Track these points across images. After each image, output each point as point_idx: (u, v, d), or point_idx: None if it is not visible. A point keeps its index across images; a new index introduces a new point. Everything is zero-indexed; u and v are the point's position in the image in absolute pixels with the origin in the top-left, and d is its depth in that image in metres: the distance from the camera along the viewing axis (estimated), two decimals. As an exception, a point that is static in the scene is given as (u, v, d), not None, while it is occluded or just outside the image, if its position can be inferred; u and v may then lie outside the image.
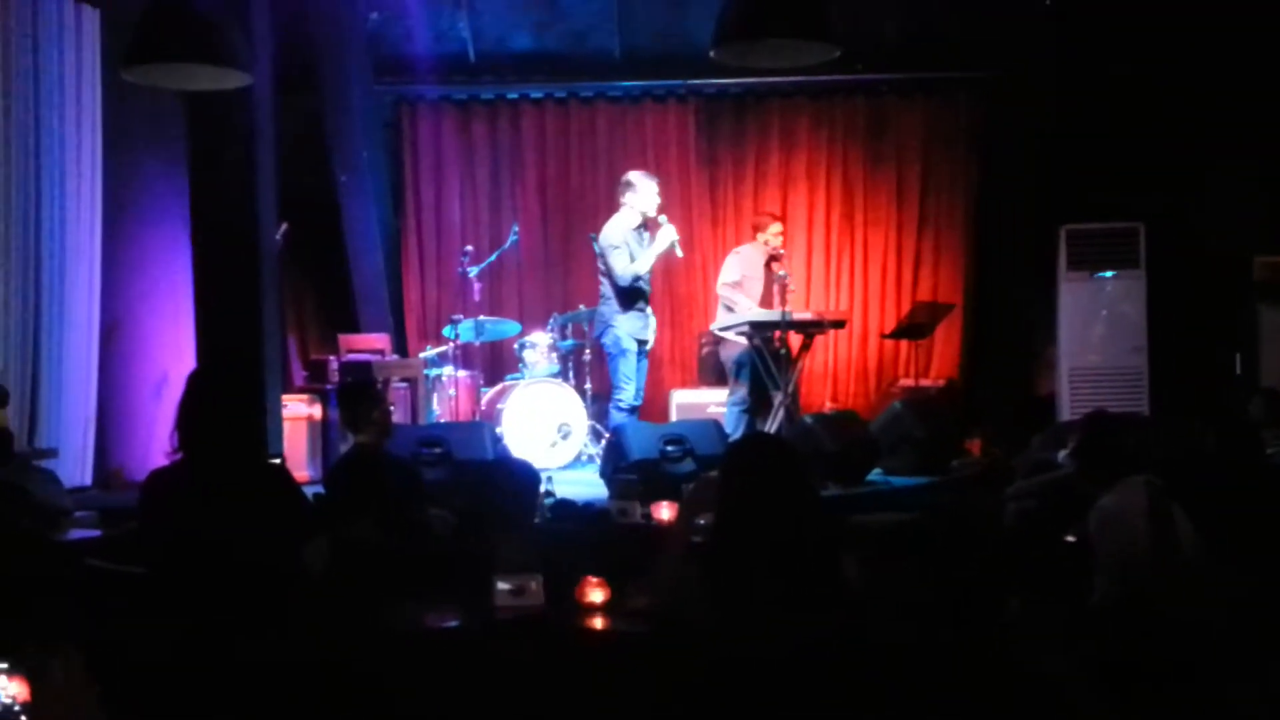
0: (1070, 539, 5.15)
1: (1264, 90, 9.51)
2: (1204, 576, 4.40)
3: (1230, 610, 3.69)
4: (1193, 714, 3.27)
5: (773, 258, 9.11)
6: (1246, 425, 7.28)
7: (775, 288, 8.68)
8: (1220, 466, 5.63)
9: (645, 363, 8.76)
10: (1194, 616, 3.83)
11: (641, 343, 8.68)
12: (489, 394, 9.82)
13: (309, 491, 4.68)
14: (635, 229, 8.59)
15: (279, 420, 8.30)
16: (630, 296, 8.60)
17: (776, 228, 9.23)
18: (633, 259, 8.53)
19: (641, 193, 8.54)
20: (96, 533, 5.96)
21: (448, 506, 5.57)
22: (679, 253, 8.67)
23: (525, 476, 5.88)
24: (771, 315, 8.55)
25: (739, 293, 8.99)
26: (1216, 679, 3.34)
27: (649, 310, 8.71)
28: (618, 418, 8.68)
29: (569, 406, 9.26)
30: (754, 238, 9.35)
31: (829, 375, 11.47)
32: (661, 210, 8.69)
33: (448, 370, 9.69)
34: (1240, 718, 3.28)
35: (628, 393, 8.68)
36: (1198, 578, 4.40)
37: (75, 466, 7.71)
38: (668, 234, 8.49)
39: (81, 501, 6.87)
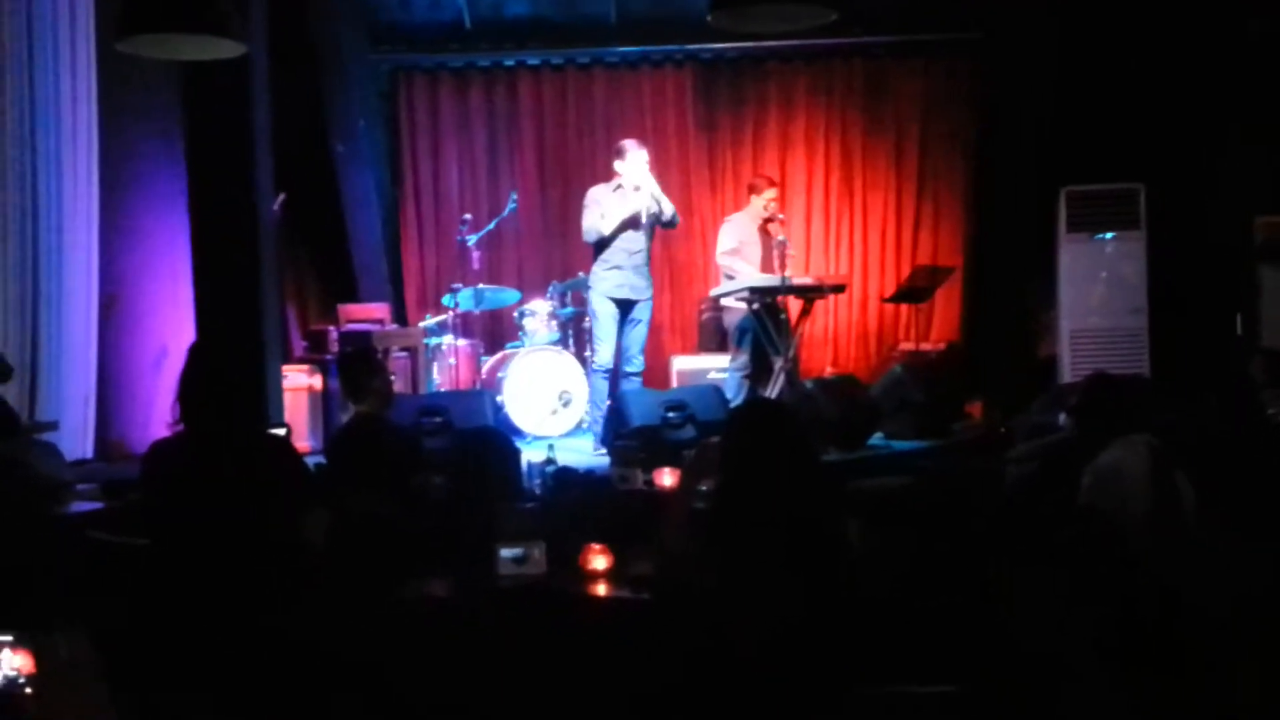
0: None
1: (1264, 50, 9.46)
2: (1203, 542, 4.40)
3: (1230, 575, 3.69)
4: (1194, 681, 3.27)
5: (767, 220, 9.07)
6: (1247, 386, 7.28)
7: (775, 253, 8.66)
8: (1221, 428, 5.63)
9: (636, 324, 8.58)
10: (1193, 582, 3.82)
11: (620, 302, 8.53)
12: (489, 362, 9.82)
13: (310, 461, 4.68)
14: (615, 190, 8.53)
15: (280, 391, 8.29)
16: (604, 255, 8.52)
17: (772, 193, 9.15)
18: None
19: (629, 161, 8.48)
20: (98, 505, 5.95)
21: (448, 474, 5.57)
22: (663, 220, 8.56)
23: (505, 448, 5.86)
24: (771, 280, 8.52)
25: (738, 259, 8.96)
26: (1219, 647, 3.35)
27: (630, 269, 8.49)
28: (595, 381, 8.68)
29: (569, 374, 9.25)
30: (748, 199, 9.31)
31: (829, 340, 11.48)
32: (653, 181, 8.61)
33: (448, 339, 9.68)
34: (1241, 687, 3.29)
35: (600, 354, 8.58)
36: (1198, 543, 4.40)
37: (76, 439, 7.70)
38: (637, 200, 8.42)
39: (83, 474, 6.87)
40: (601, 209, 8.43)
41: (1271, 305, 9.77)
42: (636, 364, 8.61)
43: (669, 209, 8.54)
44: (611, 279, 8.49)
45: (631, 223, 8.44)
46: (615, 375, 8.70)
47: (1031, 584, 3.63)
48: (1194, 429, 5.32)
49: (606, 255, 8.49)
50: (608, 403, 8.65)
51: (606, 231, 8.40)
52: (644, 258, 8.55)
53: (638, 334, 8.60)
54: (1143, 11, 9.78)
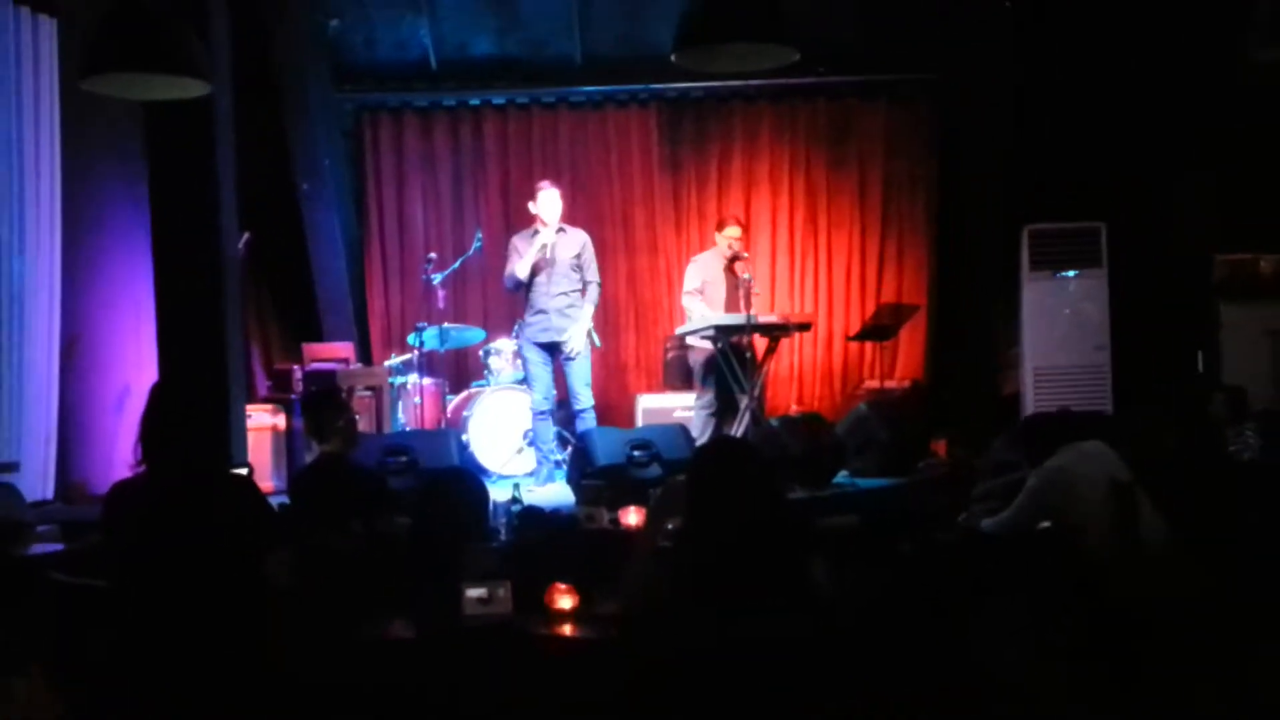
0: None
1: (1222, 90, 9.57)
2: (1167, 559, 4.43)
3: (1192, 604, 3.71)
4: (1157, 709, 3.29)
5: (733, 259, 9.09)
6: (1208, 423, 7.34)
7: (740, 291, 8.69)
8: (1182, 464, 5.66)
9: (569, 362, 8.62)
10: (1155, 600, 3.85)
11: (546, 346, 8.64)
12: (454, 401, 9.80)
13: (274, 501, 4.65)
14: (533, 235, 8.59)
15: (243, 430, 8.24)
16: (529, 300, 8.67)
17: (734, 231, 9.17)
18: None
19: (540, 201, 8.60)
20: (59, 546, 5.89)
21: (413, 514, 5.54)
22: (585, 276, 8.68)
23: (474, 489, 5.84)
24: (737, 319, 8.55)
25: (698, 300, 8.98)
26: (1180, 673, 3.36)
27: (553, 312, 8.57)
28: (535, 425, 8.77)
29: (535, 413, 9.23)
30: (714, 238, 9.34)
31: (794, 378, 11.49)
32: (565, 220, 8.73)
33: (412, 378, 9.65)
34: (1203, 710, 3.30)
35: (534, 398, 8.74)
36: (1160, 559, 4.42)
37: (36, 480, 7.63)
38: (544, 234, 8.53)
39: (43, 515, 6.80)
40: (519, 255, 8.54)
41: (1232, 342, 9.86)
42: (583, 400, 8.66)
43: (591, 272, 8.72)
44: (536, 324, 8.64)
45: (545, 264, 8.51)
46: (569, 416, 8.78)
47: (994, 613, 3.65)
48: (1156, 464, 5.35)
49: (531, 300, 8.65)
50: (552, 444, 8.74)
51: (521, 275, 8.50)
52: (569, 300, 8.62)
53: (577, 372, 8.66)
54: (1103, 52, 9.88)
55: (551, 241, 8.52)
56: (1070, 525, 5.07)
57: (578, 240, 8.72)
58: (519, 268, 8.54)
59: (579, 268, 8.66)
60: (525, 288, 8.63)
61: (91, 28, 6.25)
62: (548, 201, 8.57)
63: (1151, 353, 10.00)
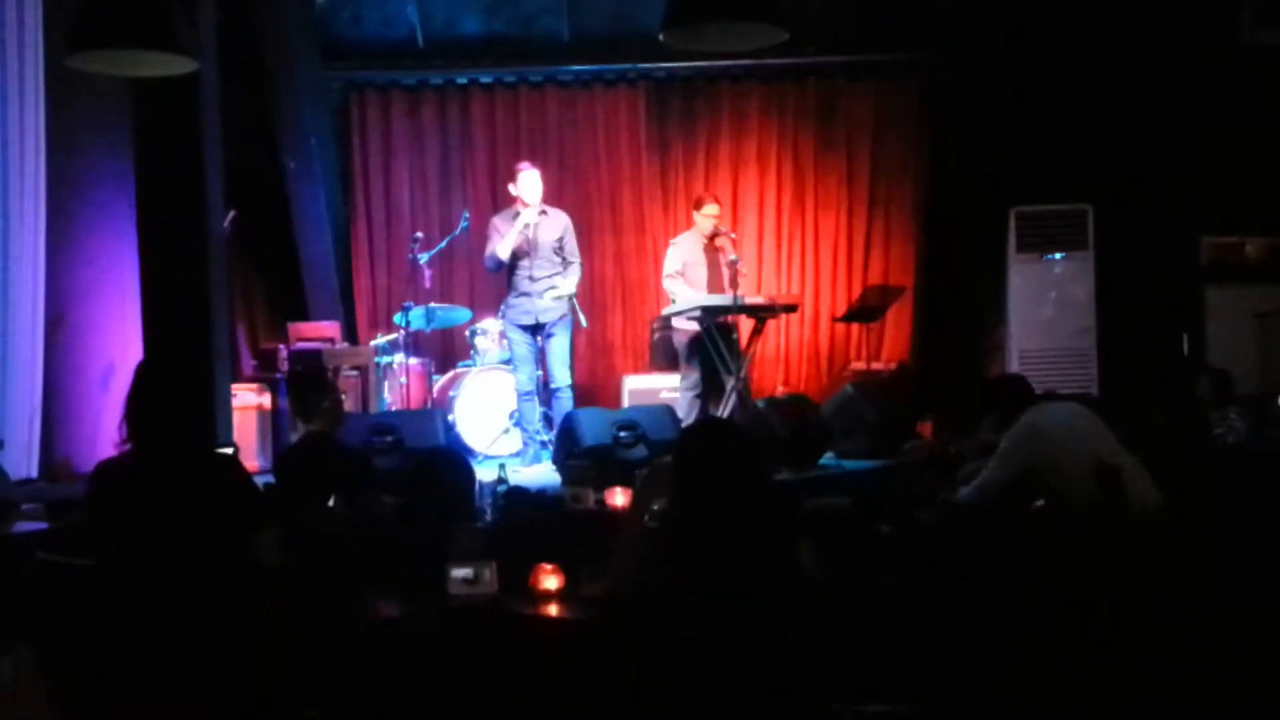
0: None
1: (1210, 72, 9.58)
2: (1158, 540, 4.45)
3: (1185, 588, 3.72)
4: (1148, 691, 3.30)
5: (714, 236, 9.07)
6: (1194, 405, 7.36)
7: (726, 272, 8.69)
8: (1168, 446, 5.68)
9: (550, 340, 8.63)
10: (1147, 582, 3.86)
11: (528, 328, 8.64)
12: (440, 381, 9.79)
13: (260, 481, 4.65)
14: (513, 216, 8.58)
15: (229, 409, 8.23)
16: (512, 282, 8.66)
17: (713, 209, 9.14)
18: None
19: (520, 182, 8.60)
20: (43, 525, 5.88)
21: (399, 494, 5.54)
22: (564, 255, 8.67)
23: (460, 469, 5.84)
24: (723, 299, 8.55)
25: (680, 282, 8.96)
26: (1173, 658, 3.37)
27: (535, 295, 8.56)
28: (520, 405, 8.79)
29: (521, 393, 9.23)
30: (692, 218, 9.31)
31: (781, 359, 11.50)
32: (546, 201, 8.71)
33: (399, 358, 9.64)
34: (1198, 696, 3.31)
35: (518, 379, 8.76)
36: (1152, 539, 4.44)
37: (21, 458, 7.60)
38: (525, 214, 8.50)
39: (28, 494, 6.78)
40: (500, 235, 8.53)
41: (1217, 325, 9.90)
42: (560, 379, 8.66)
43: (572, 253, 8.73)
44: (519, 306, 8.64)
45: (528, 247, 8.49)
46: (549, 395, 8.81)
47: (983, 598, 3.65)
48: (1142, 446, 5.38)
49: (513, 282, 8.64)
50: (538, 424, 8.74)
51: (502, 256, 8.50)
52: (551, 284, 8.60)
53: (556, 351, 8.66)
54: (1092, 34, 9.88)
55: (534, 222, 8.50)
56: (1049, 486, 5.13)
57: (559, 223, 8.69)
58: (500, 248, 8.53)
59: (560, 250, 8.64)
60: (507, 270, 8.61)
61: (77, 3, 6.22)
62: (528, 182, 8.55)
63: (1137, 335, 10.03)
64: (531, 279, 8.53)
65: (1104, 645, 3.35)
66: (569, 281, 8.61)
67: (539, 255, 8.53)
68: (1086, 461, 5.03)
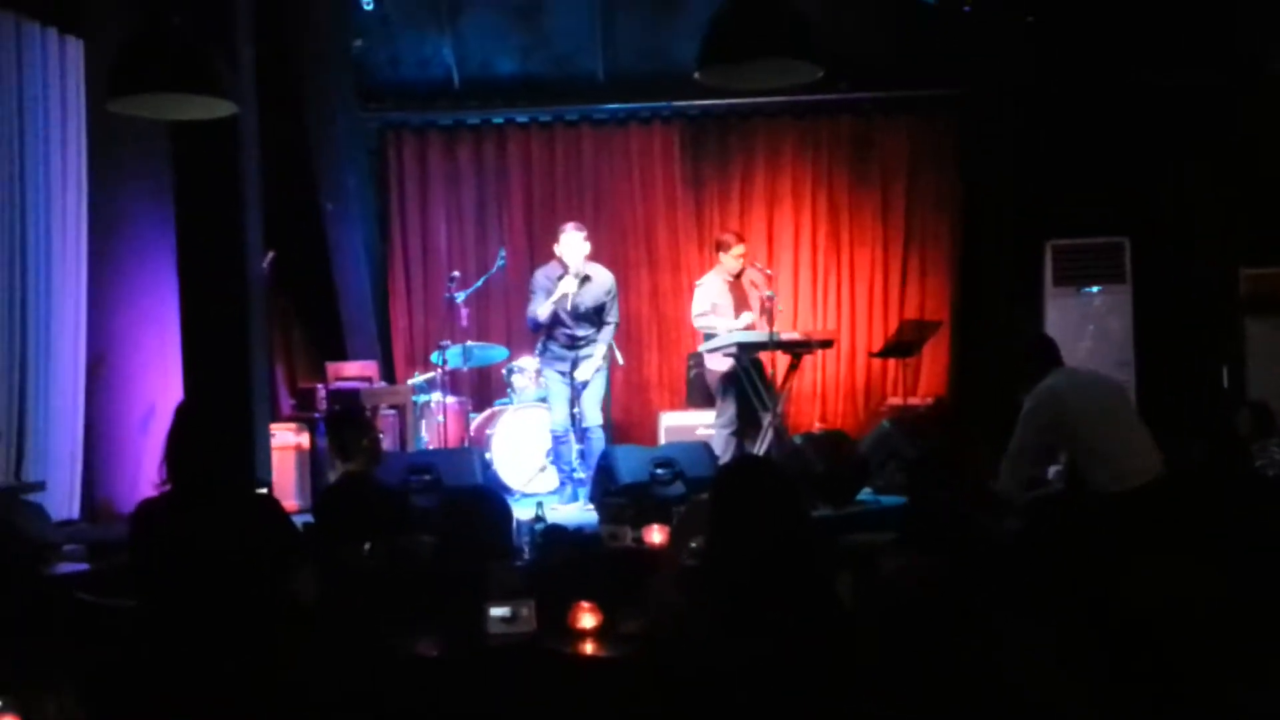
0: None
1: (1247, 103, 9.55)
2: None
3: (1218, 619, 3.69)
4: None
5: (737, 275, 9.06)
6: (1234, 438, 7.31)
7: (761, 308, 8.69)
8: (1208, 479, 5.65)
9: (586, 385, 8.72)
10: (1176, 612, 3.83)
11: (563, 372, 8.74)
12: (477, 420, 9.81)
13: (298, 520, 4.67)
14: (557, 276, 8.62)
15: (268, 449, 8.27)
16: (551, 335, 8.74)
17: (739, 249, 9.11)
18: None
19: (563, 244, 8.67)
20: (85, 566, 5.92)
21: (437, 533, 5.55)
22: (606, 319, 8.76)
23: (497, 508, 5.85)
24: (759, 336, 8.54)
25: (713, 318, 8.94)
26: (1208, 690, 3.34)
27: (572, 353, 8.70)
28: (556, 445, 8.84)
29: (558, 431, 9.24)
30: (716, 258, 9.28)
31: (817, 395, 11.48)
32: (589, 259, 8.77)
33: (436, 396, 9.67)
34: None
35: (553, 419, 8.81)
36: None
37: (63, 500, 7.67)
38: (564, 284, 8.57)
39: (69, 535, 6.83)
40: (543, 295, 8.64)
41: (1257, 357, 9.82)
42: (592, 419, 8.72)
43: (613, 315, 8.81)
44: (555, 352, 8.75)
45: (565, 316, 8.59)
46: (581, 434, 8.85)
47: (1024, 634, 3.63)
48: (1183, 480, 5.36)
49: (553, 334, 8.72)
50: (575, 462, 8.77)
51: (542, 319, 8.58)
52: (588, 341, 8.71)
53: (591, 392, 8.73)
54: (1125, 67, 9.86)
55: (573, 291, 8.56)
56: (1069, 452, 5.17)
57: (602, 287, 8.74)
58: (541, 310, 8.61)
59: (600, 312, 8.70)
60: (547, 325, 8.67)
61: (119, 49, 6.29)
62: (570, 245, 8.61)
63: (1176, 368, 9.97)
64: (571, 338, 8.62)
65: (1136, 675, 3.33)
66: (597, 354, 8.70)
67: (579, 319, 8.61)
68: (1102, 428, 5.22)
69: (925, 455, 8.35)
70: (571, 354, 8.65)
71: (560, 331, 8.64)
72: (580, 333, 8.63)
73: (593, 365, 8.67)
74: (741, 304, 8.95)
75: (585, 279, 8.63)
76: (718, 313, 8.97)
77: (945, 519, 4.85)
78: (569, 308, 8.58)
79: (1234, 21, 9.26)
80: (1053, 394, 5.50)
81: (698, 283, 9.40)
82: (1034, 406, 5.52)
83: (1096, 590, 4.21)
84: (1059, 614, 3.80)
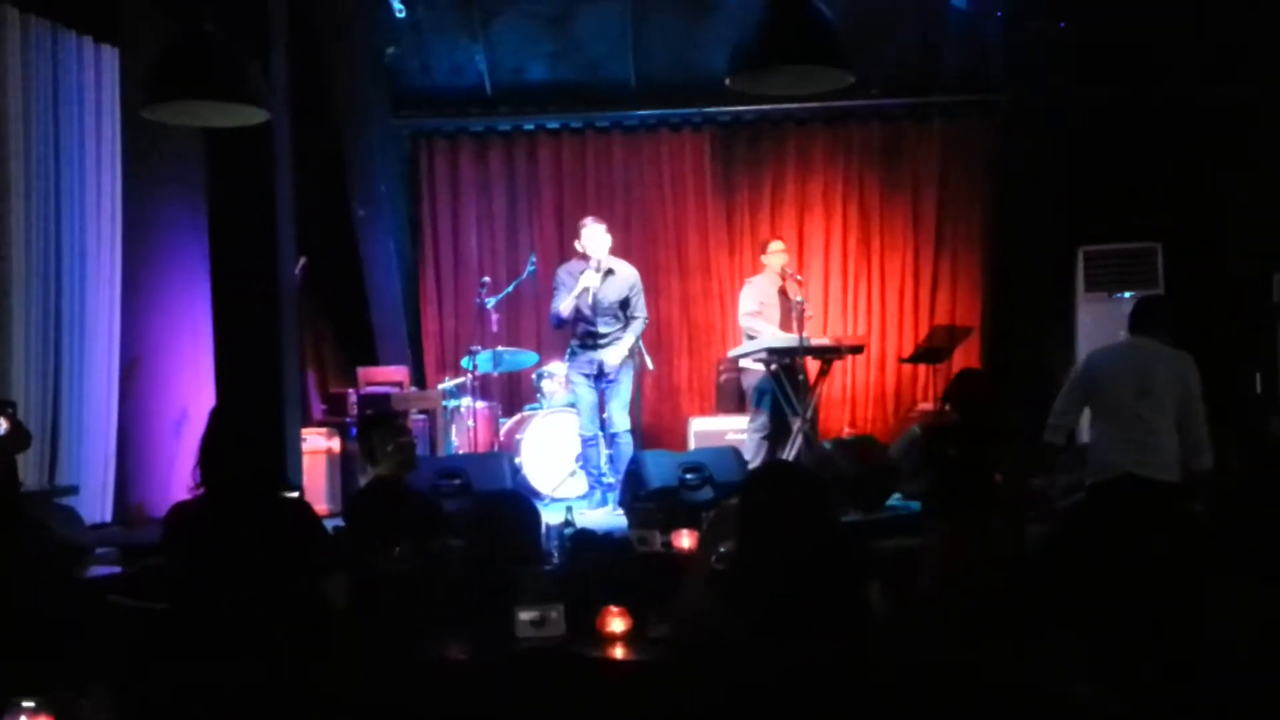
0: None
1: (1278, 107, 9.49)
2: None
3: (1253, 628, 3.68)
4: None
5: (783, 277, 9.10)
6: (1267, 444, 7.27)
7: (793, 314, 8.70)
8: (1243, 485, 5.62)
9: (612, 385, 8.71)
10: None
11: (590, 376, 8.75)
12: (507, 424, 9.83)
13: (329, 525, 4.69)
14: (578, 271, 8.64)
15: (299, 454, 8.32)
16: (576, 334, 8.78)
17: (776, 245, 9.24)
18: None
19: (585, 237, 8.69)
20: (117, 569, 5.96)
21: (466, 538, 5.56)
22: (631, 314, 8.73)
23: (526, 512, 5.87)
24: (790, 341, 8.55)
25: (760, 320, 9.00)
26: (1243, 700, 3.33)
27: (597, 349, 8.69)
28: (584, 449, 8.87)
29: (588, 436, 9.26)
30: (761, 263, 9.36)
31: (847, 400, 11.45)
32: (619, 257, 8.83)
33: (466, 401, 9.70)
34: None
35: (582, 424, 8.84)
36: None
37: (96, 503, 7.73)
38: (586, 278, 8.59)
39: (102, 538, 6.90)
40: (566, 290, 8.67)
41: (1291, 363, 9.74)
42: (619, 424, 8.72)
43: (638, 321, 8.78)
44: (582, 355, 8.76)
45: (588, 309, 8.59)
46: (608, 439, 8.86)
47: (1053, 643, 3.62)
48: (1217, 485, 5.35)
49: (576, 335, 8.75)
50: (604, 467, 8.79)
51: (564, 313, 8.60)
52: (614, 338, 8.70)
53: (618, 396, 8.71)
54: (1157, 71, 9.82)
55: (595, 285, 8.56)
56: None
57: (626, 281, 8.75)
58: (563, 305, 8.63)
59: (625, 306, 8.71)
60: (572, 323, 8.68)
61: (153, 57, 6.34)
62: (592, 237, 8.62)
63: (1208, 374, 9.89)
64: (593, 335, 8.61)
65: (1168, 686, 3.32)
66: (625, 341, 8.69)
67: (602, 313, 8.60)
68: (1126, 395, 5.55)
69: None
70: (595, 354, 8.65)
71: (582, 327, 8.64)
72: (603, 329, 8.62)
73: (619, 352, 8.64)
74: (785, 310, 8.97)
75: (609, 272, 8.64)
76: (764, 314, 8.99)
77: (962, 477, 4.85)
78: (591, 301, 8.57)
79: (1265, 28, 9.20)
80: (1088, 363, 6.03)
81: (748, 280, 9.46)
82: (1073, 376, 6.14)
83: (1128, 599, 4.20)
84: (1088, 620, 3.79)
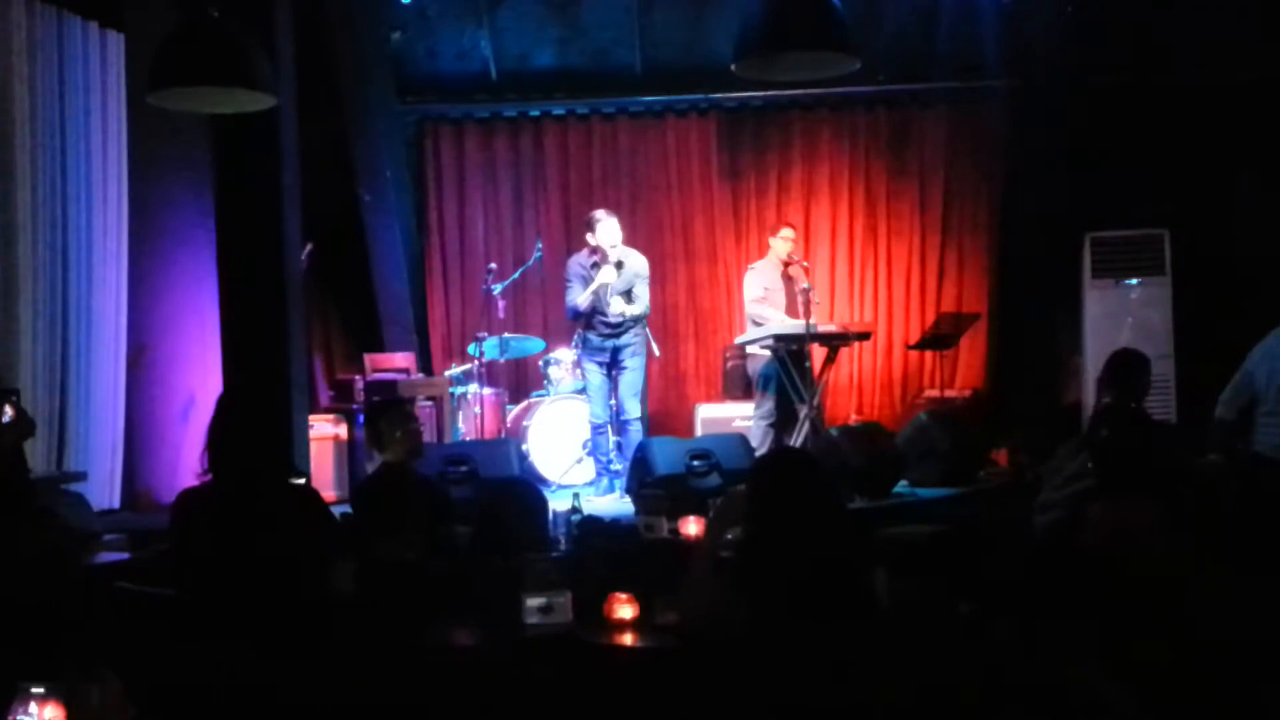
0: None
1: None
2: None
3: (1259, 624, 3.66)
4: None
5: (787, 265, 9.10)
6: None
7: (799, 300, 8.69)
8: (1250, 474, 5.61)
9: (624, 371, 8.72)
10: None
11: (602, 363, 8.75)
12: (514, 411, 9.84)
13: (336, 511, 4.69)
14: (590, 264, 8.63)
15: (306, 440, 8.32)
16: (589, 323, 8.75)
17: (786, 233, 9.22)
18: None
19: (598, 230, 8.66)
20: (125, 555, 5.97)
21: (473, 524, 5.56)
22: (609, 298, 8.65)
23: (533, 499, 5.87)
24: (796, 327, 8.54)
25: (766, 306, 8.99)
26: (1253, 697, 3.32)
27: (611, 335, 8.68)
28: (594, 436, 8.86)
29: (594, 422, 9.26)
30: (768, 246, 9.34)
31: (854, 387, 11.45)
32: (626, 244, 8.79)
33: (472, 388, 9.70)
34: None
35: (593, 410, 8.85)
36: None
37: (103, 489, 7.74)
38: (604, 274, 8.57)
39: (110, 524, 6.90)
40: (580, 284, 8.65)
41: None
42: (630, 411, 8.71)
43: (642, 301, 8.74)
44: (594, 343, 8.75)
45: (600, 304, 8.60)
46: (619, 427, 8.86)
47: (1057, 633, 3.62)
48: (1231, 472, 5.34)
49: (591, 325, 8.73)
50: (612, 453, 8.80)
51: (582, 306, 8.58)
52: (626, 324, 8.68)
53: (627, 382, 8.72)
54: (1164, 57, 9.79)
55: (613, 280, 8.58)
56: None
57: (634, 271, 8.73)
58: (580, 299, 8.61)
59: (630, 292, 8.70)
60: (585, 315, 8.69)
61: (159, 42, 6.34)
62: (608, 230, 8.61)
63: (1217, 361, 9.88)
64: (609, 326, 8.64)
65: (1181, 682, 3.31)
66: (633, 307, 8.66)
67: (615, 302, 8.61)
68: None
69: (962, 448, 8.35)
70: (610, 343, 8.65)
71: (598, 320, 8.65)
72: (617, 317, 8.62)
73: (630, 310, 8.65)
74: (790, 295, 8.97)
75: (619, 264, 8.64)
76: (769, 299, 8.99)
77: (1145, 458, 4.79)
78: (609, 296, 8.59)
79: (1272, 12, 9.17)
80: (1261, 344, 6.35)
81: (750, 267, 9.44)
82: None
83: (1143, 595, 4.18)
84: (1102, 614, 3.78)
